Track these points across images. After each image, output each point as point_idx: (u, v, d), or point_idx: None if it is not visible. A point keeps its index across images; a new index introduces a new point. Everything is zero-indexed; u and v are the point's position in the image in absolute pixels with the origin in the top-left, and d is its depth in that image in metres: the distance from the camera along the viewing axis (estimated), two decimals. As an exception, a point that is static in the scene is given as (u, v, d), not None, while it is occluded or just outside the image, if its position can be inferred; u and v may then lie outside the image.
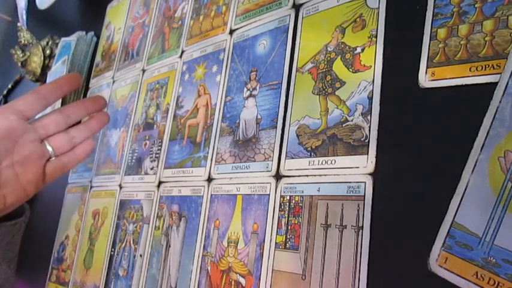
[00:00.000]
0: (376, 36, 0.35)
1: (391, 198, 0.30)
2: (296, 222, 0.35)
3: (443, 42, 0.30)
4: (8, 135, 0.42)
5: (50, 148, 0.46)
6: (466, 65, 0.29)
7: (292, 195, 0.36)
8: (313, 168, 0.36)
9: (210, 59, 0.51)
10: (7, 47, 1.02)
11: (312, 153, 0.36)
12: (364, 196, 0.32)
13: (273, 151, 0.39)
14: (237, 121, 0.44)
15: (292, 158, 0.37)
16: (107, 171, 0.61)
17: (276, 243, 0.36)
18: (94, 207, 0.62)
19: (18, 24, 0.93)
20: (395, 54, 0.33)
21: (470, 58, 0.29)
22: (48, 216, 0.71)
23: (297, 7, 0.42)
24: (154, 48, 0.61)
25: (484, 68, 0.28)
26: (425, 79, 0.31)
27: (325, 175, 0.35)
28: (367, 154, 0.32)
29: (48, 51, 0.85)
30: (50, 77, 0.78)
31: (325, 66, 0.38)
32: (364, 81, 0.34)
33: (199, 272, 0.42)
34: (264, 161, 0.40)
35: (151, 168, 0.53)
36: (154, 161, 0.53)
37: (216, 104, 0.48)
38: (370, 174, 0.32)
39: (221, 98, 0.47)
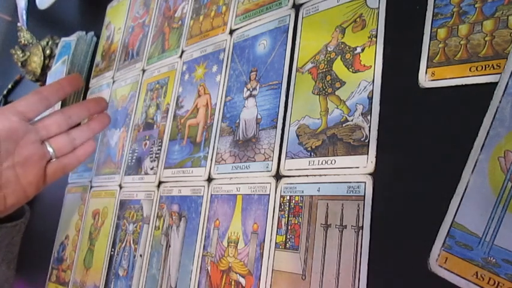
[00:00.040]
0: (376, 36, 0.35)
1: (391, 198, 0.30)
2: (296, 222, 0.35)
3: (443, 42, 0.30)
4: (9, 136, 0.42)
5: (51, 149, 0.46)
6: (466, 65, 0.29)
7: (292, 195, 0.36)
8: (313, 168, 0.36)
9: (210, 59, 0.51)
10: (7, 47, 1.02)
11: (312, 153, 0.36)
12: (364, 196, 0.32)
13: (273, 151, 0.39)
14: (237, 121, 0.44)
15: (292, 158, 0.37)
16: (107, 171, 0.61)
17: (276, 243, 0.36)
18: (94, 207, 0.62)
19: (18, 24, 0.93)
20: (395, 54, 0.33)
21: (470, 58, 0.29)
22: (48, 216, 0.71)
23: (297, 7, 0.42)
24: (154, 48, 0.61)
25: (484, 68, 0.28)
26: (425, 79, 0.31)
27: (325, 175, 0.35)
28: (367, 154, 0.32)
29: (48, 51, 0.85)
30: (50, 77, 0.78)
31: (325, 66, 0.38)
32: (364, 81, 0.34)
33: (199, 272, 0.42)
34: (264, 161, 0.40)
35: (151, 168, 0.53)
36: (154, 161, 0.53)
37: (216, 104, 0.48)
38: (370, 174, 0.32)
39: (221, 98, 0.47)
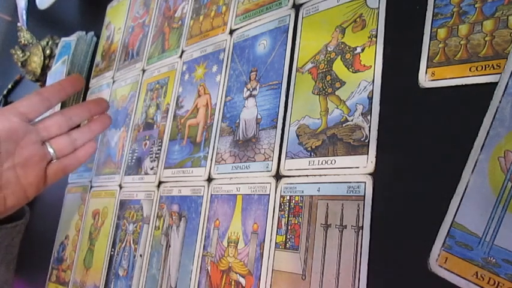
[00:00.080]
0: (376, 36, 0.35)
1: (391, 198, 0.30)
2: (296, 222, 0.35)
3: (443, 42, 0.30)
4: (9, 136, 0.42)
5: (51, 150, 0.46)
6: (466, 65, 0.29)
7: (292, 195, 0.36)
8: (313, 168, 0.36)
9: (210, 59, 0.51)
10: (7, 47, 1.02)
11: (312, 153, 0.36)
12: (364, 196, 0.32)
13: (273, 151, 0.39)
14: (237, 121, 0.44)
15: (292, 158, 0.37)
16: (107, 171, 0.62)
17: (276, 243, 0.36)
18: (94, 207, 0.62)
19: (18, 24, 0.93)
20: (395, 54, 0.33)
21: (470, 58, 0.29)
22: (48, 216, 0.71)
23: (297, 7, 0.42)
24: (154, 48, 0.61)
25: (484, 68, 0.28)
26: (425, 79, 0.31)
27: (325, 175, 0.35)
28: (367, 154, 0.32)
29: (48, 51, 0.85)
30: (50, 77, 0.78)
31: (325, 66, 0.38)
32: (364, 81, 0.34)
33: (199, 272, 0.42)
34: (264, 161, 0.40)
35: (151, 168, 0.53)
36: (154, 161, 0.53)
37: (216, 104, 0.48)
38: (370, 174, 0.32)
39: (221, 98, 0.47)
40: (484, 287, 0.24)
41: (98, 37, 0.77)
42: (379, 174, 0.31)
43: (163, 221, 0.49)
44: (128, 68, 0.65)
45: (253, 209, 0.39)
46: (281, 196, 0.37)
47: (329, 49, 0.38)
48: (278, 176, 0.38)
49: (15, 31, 0.93)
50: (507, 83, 0.26)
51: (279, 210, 0.37)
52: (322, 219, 0.34)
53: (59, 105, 0.62)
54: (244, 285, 0.38)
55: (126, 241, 0.53)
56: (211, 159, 0.45)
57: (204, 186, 0.45)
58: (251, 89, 0.44)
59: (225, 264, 0.40)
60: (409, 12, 0.33)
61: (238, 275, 0.38)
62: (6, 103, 1.05)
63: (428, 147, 0.29)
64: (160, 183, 0.51)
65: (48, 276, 0.67)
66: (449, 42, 0.30)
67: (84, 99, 0.74)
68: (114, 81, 0.68)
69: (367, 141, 0.33)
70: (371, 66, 0.34)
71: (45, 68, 0.86)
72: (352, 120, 0.34)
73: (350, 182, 0.33)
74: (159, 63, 0.59)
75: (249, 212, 0.39)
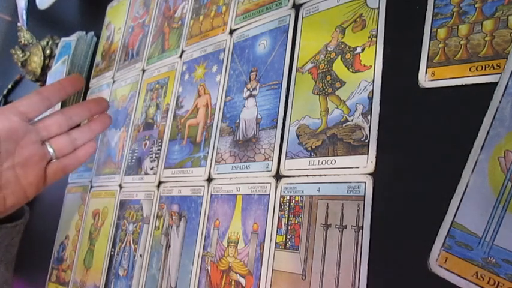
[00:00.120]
0: (376, 36, 0.35)
1: (391, 198, 0.30)
2: (296, 222, 0.35)
3: (443, 42, 0.30)
4: (9, 136, 0.42)
5: (51, 150, 0.46)
6: (466, 65, 0.29)
7: (292, 195, 0.36)
8: (313, 168, 0.36)
9: (210, 59, 0.51)
10: (7, 47, 1.02)
11: (312, 153, 0.36)
12: (364, 196, 0.32)
13: (273, 151, 0.39)
14: (237, 121, 0.44)
15: (292, 158, 0.37)
16: (107, 171, 0.62)
17: (276, 243, 0.36)
18: (94, 207, 0.62)
19: (18, 24, 0.93)
20: (395, 54, 0.33)
21: (470, 58, 0.29)
22: (48, 216, 0.71)
23: (297, 7, 0.42)
24: (154, 48, 0.61)
25: (484, 68, 0.28)
26: (425, 79, 0.31)
27: (325, 175, 0.35)
28: (367, 154, 0.32)
29: (48, 51, 0.86)
30: (50, 77, 0.78)
31: (325, 66, 0.38)
32: (364, 81, 0.34)
33: (199, 272, 0.42)
34: (264, 161, 0.40)
35: (151, 168, 0.53)
36: (154, 161, 0.53)
37: (216, 104, 0.48)
38: (370, 174, 0.32)
39: (221, 98, 0.47)
40: (484, 287, 0.24)
41: (98, 37, 0.77)
42: (379, 174, 0.31)
43: (163, 221, 0.49)
44: (128, 68, 0.65)
45: (253, 209, 0.39)
46: (281, 196, 0.37)
47: (329, 49, 0.38)
48: (278, 176, 0.38)
49: (15, 31, 0.93)
50: (507, 83, 0.26)
51: (279, 210, 0.37)
52: (322, 219, 0.34)
53: (59, 104, 0.61)
54: (244, 285, 0.38)
55: (126, 241, 0.53)
56: (211, 159, 0.45)
57: (204, 186, 0.45)
58: (251, 89, 0.44)
59: (225, 264, 0.40)
60: (409, 12, 0.33)
61: (238, 275, 0.38)
62: (6, 103, 1.05)
63: (428, 147, 0.29)
64: (160, 183, 0.51)
65: (48, 276, 0.67)
66: (449, 42, 0.30)
67: (84, 99, 0.74)
68: (114, 81, 0.68)
69: (367, 141, 0.33)
70: (371, 66, 0.34)
71: (45, 68, 0.86)
72: (352, 120, 0.34)
73: (350, 182, 0.33)
74: (159, 63, 0.59)
75: (249, 212, 0.39)
